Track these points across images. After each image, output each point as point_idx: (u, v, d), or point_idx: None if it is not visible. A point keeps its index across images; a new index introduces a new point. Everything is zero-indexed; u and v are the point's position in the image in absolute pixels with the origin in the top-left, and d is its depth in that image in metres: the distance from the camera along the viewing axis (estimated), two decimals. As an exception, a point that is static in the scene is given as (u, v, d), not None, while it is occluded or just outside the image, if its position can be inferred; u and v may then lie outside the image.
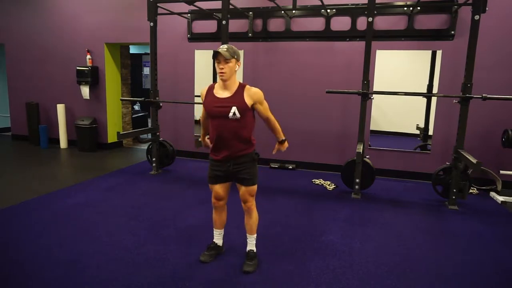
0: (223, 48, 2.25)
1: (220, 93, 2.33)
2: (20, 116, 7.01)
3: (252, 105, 2.33)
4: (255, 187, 2.46)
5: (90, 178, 4.69)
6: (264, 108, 2.42)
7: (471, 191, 4.44)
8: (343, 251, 2.83)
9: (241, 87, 2.33)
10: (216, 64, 2.28)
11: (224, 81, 2.29)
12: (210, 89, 2.39)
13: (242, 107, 2.28)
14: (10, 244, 2.82)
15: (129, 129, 7.10)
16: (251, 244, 2.58)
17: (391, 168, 5.05)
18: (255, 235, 2.58)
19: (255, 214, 2.54)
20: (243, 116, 2.30)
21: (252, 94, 2.32)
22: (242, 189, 2.44)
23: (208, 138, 2.59)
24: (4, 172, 4.89)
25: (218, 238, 2.69)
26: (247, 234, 2.58)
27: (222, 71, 2.25)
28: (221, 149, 2.37)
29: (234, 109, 2.27)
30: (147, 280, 2.35)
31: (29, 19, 6.61)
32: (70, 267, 2.49)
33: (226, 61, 2.23)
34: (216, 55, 2.24)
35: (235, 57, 2.27)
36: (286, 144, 2.63)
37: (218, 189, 2.50)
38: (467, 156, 3.52)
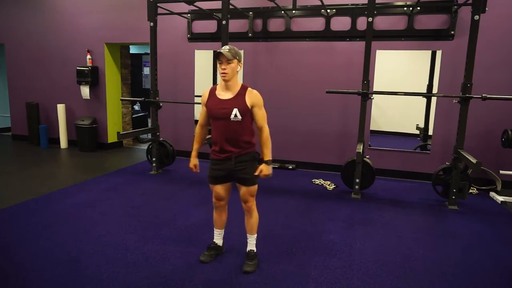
0: (225, 48, 2.27)
1: (222, 94, 2.35)
2: (20, 116, 7.01)
3: (252, 107, 2.34)
4: (255, 187, 2.46)
5: (90, 178, 4.69)
6: (262, 115, 2.39)
7: (471, 191, 4.44)
8: (343, 251, 2.83)
9: (243, 89, 2.35)
10: (218, 65, 2.30)
11: (226, 81, 2.31)
12: (212, 90, 2.41)
13: (244, 109, 2.30)
14: (10, 244, 2.82)
15: (129, 129, 7.10)
16: (251, 244, 2.58)
17: (391, 168, 5.05)
18: (256, 235, 2.58)
19: (255, 214, 2.54)
20: (244, 117, 2.32)
21: (253, 96, 2.34)
22: (243, 189, 2.44)
23: (196, 157, 2.56)
24: (4, 172, 4.90)
25: (218, 238, 2.69)
26: (247, 234, 2.58)
27: (224, 71, 2.27)
28: (223, 149, 2.38)
29: (235, 111, 2.29)
30: (147, 280, 2.35)
31: (29, 19, 6.61)
32: (70, 267, 2.49)
33: (228, 61, 2.26)
34: (218, 56, 2.26)
35: (237, 57, 2.29)
36: (270, 169, 2.37)
37: (219, 189, 2.50)
38: (467, 156, 3.52)
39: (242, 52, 5.47)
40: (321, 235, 3.13)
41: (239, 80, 2.38)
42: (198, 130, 2.58)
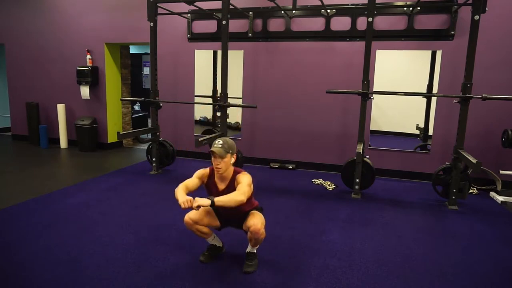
0: (218, 145, 2.34)
1: (219, 182, 2.46)
2: (20, 116, 7.01)
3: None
4: (263, 217, 2.49)
5: (90, 178, 4.69)
6: (242, 187, 2.27)
7: (471, 191, 4.44)
8: (343, 251, 2.83)
9: (234, 175, 2.42)
10: (212, 159, 2.36)
11: (220, 174, 2.39)
12: (211, 175, 2.48)
13: None
14: (10, 244, 2.82)
15: (129, 129, 7.10)
16: (252, 247, 2.56)
17: (391, 168, 5.05)
18: (257, 247, 2.56)
19: (263, 236, 2.43)
20: None
21: (238, 178, 2.38)
22: (253, 221, 2.37)
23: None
24: (4, 172, 4.90)
25: (214, 241, 2.66)
26: (249, 244, 2.52)
27: (218, 167, 2.35)
28: (223, 216, 2.54)
29: None
30: (147, 280, 2.35)
31: (29, 19, 6.61)
32: (70, 267, 2.49)
33: (222, 157, 2.32)
34: (212, 152, 2.33)
35: (230, 152, 2.35)
36: (205, 202, 2.11)
37: (201, 215, 2.47)
38: (467, 156, 3.52)
39: (242, 52, 5.52)
40: (321, 235, 3.13)
41: (231, 166, 2.43)
42: (182, 189, 2.31)
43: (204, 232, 2.53)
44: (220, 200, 2.15)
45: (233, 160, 2.40)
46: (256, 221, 2.38)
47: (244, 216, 2.48)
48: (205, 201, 2.12)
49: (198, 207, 2.12)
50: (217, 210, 2.49)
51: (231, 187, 2.40)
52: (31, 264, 2.51)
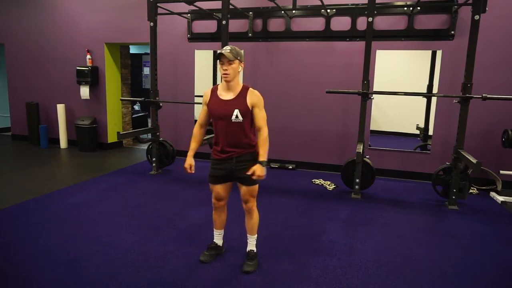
0: (226, 49, 2.26)
1: (224, 94, 2.35)
2: (20, 116, 7.01)
3: (252, 108, 2.34)
4: (256, 187, 2.45)
5: (90, 178, 4.69)
6: (262, 116, 2.36)
7: (471, 191, 4.44)
8: (343, 251, 2.83)
9: (245, 89, 2.35)
10: (219, 65, 2.30)
11: (227, 82, 2.31)
12: (214, 90, 2.40)
13: (244, 109, 2.31)
14: (10, 244, 2.82)
15: (129, 129, 7.10)
16: (251, 244, 2.58)
17: (391, 168, 5.05)
18: (256, 236, 2.58)
19: (256, 215, 2.53)
20: (245, 118, 2.32)
21: (254, 97, 2.34)
22: (243, 189, 2.43)
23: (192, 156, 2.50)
24: (4, 172, 4.90)
25: (218, 238, 2.69)
26: (248, 235, 2.58)
27: (226, 72, 2.27)
28: (224, 149, 2.38)
29: (236, 112, 2.29)
30: (147, 280, 2.35)
31: (29, 19, 6.61)
32: (70, 267, 2.49)
33: (230, 62, 2.26)
34: (220, 57, 2.26)
35: (238, 58, 2.29)
36: (264, 170, 2.30)
37: (219, 189, 2.50)
38: (467, 156, 3.52)
39: (242, 52, 5.49)
40: (321, 235, 3.13)
41: (240, 81, 2.38)
42: (197, 130, 2.54)
43: (223, 219, 2.63)
44: (264, 153, 2.33)
45: (241, 68, 2.33)
46: (248, 196, 2.44)
47: (244, 147, 2.38)
48: (263, 170, 2.29)
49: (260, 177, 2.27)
50: (220, 140, 2.39)
51: (240, 100, 2.31)
52: (31, 264, 2.51)
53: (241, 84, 2.36)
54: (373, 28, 4.08)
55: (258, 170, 2.29)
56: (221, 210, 2.61)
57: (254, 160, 2.41)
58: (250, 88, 2.36)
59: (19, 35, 6.74)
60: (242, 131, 2.34)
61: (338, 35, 5.00)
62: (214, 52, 5.96)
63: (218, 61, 2.30)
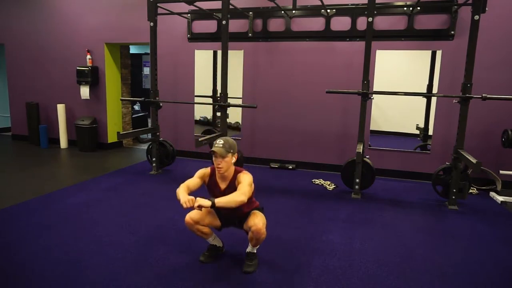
0: (219, 145, 2.33)
1: (220, 182, 2.46)
2: (20, 116, 7.01)
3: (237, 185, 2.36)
4: (264, 217, 2.47)
5: (90, 178, 4.69)
6: (243, 186, 2.27)
7: (471, 191, 4.44)
8: (343, 251, 2.83)
9: (235, 175, 2.42)
10: (213, 159, 2.36)
11: (221, 173, 2.39)
12: (213, 175, 2.48)
13: None
14: (10, 244, 2.82)
15: (129, 129, 7.10)
16: (252, 247, 2.56)
17: (391, 168, 5.05)
18: (258, 247, 2.56)
19: (264, 236, 2.43)
20: None
21: (239, 178, 2.37)
22: (254, 221, 2.37)
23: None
24: (4, 172, 4.90)
25: (214, 241, 2.66)
26: (250, 244, 2.52)
27: (219, 166, 2.34)
28: (226, 217, 2.55)
29: None
30: (147, 280, 2.35)
31: (29, 19, 6.61)
32: (70, 267, 2.49)
33: (223, 157, 2.31)
34: (213, 152, 2.32)
35: (231, 151, 2.34)
36: (206, 203, 2.09)
37: (202, 215, 2.48)
38: (467, 156, 3.52)
39: (241, 52, 5.52)
40: (321, 235, 3.13)
41: (232, 166, 2.42)
42: (184, 188, 2.31)
43: (204, 232, 2.53)
44: (220, 201, 2.14)
45: (234, 159, 2.39)
46: (257, 221, 2.38)
47: (245, 216, 2.48)
48: (206, 202, 2.10)
49: (200, 207, 2.11)
50: (218, 210, 2.48)
51: (232, 186, 2.39)
52: (31, 264, 2.51)
53: (233, 170, 2.43)
54: (373, 28, 4.09)
55: (201, 200, 2.11)
56: (199, 229, 2.49)
57: (257, 209, 2.52)
58: (240, 173, 2.40)
59: (19, 35, 6.74)
60: (239, 209, 2.38)
61: (338, 35, 5.00)
62: (214, 52, 5.96)
63: (212, 156, 2.35)
